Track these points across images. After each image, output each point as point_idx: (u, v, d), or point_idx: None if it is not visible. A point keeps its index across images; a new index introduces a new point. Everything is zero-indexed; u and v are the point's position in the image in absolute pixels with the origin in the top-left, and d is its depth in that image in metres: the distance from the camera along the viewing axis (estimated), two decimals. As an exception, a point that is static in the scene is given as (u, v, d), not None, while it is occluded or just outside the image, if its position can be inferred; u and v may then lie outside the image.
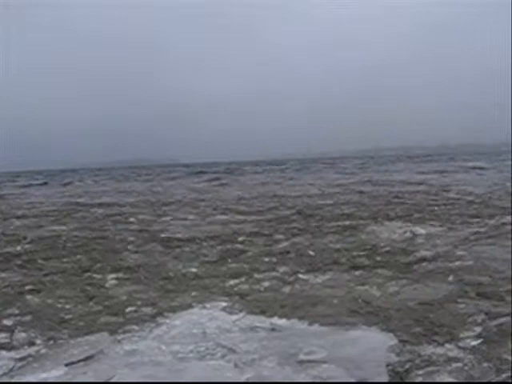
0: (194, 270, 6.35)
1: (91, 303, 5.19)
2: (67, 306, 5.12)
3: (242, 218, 10.97)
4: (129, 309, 4.88)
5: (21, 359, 3.86)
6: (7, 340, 4.23)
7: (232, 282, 5.64)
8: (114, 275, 6.17)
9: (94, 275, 6.23)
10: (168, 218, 11.42)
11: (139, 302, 5.05)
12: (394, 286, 5.24)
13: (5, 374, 3.62)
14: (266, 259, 6.75)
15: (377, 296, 4.93)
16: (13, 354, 3.95)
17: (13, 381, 3.50)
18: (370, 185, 19.92)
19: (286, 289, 5.34)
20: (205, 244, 7.91)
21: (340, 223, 9.51)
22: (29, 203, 18.08)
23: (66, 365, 3.60)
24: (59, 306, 5.17)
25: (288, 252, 7.11)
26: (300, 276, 5.85)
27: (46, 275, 6.35)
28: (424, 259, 6.36)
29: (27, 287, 5.88)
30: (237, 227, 9.49)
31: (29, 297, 5.53)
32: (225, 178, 33.61)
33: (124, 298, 5.28)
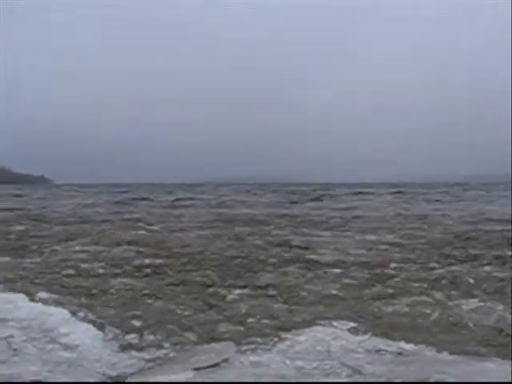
0: (333, 292, 6.32)
1: (211, 312, 5.36)
2: (187, 313, 5.31)
3: (391, 241, 10.73)
4: (249, 320, 5.00)
5: (150, 360, 4.12)
6: (137, 341, 4.50)
7: (367, 304, 5.61)
8: (239, 291, 6.29)
9: (219, 290, 6.39)
10: (313, 238, 11.32)
11: (259, 315, 5.16)
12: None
13: (137, 373, 3.87)
14: (416, 284, 6.59)
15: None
16: (143, 354, 4.21)
17: (142, 381, 3.73)
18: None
19: (422, 313, 5.23)
20: (352, 268, 7.74)
21: (500, 253, 8.97)
22: (176, 215, 18.75)
23: (194, 369, 3.78)
24: (179, 311, 5.37)
25: (443, 278, 6.89)
26: (448, 303, 5.72)
27: (169, 285, 6.64)
28: None
29: (148, 293, 6.15)
30: (387, 252, 9.28)
31: (150, 301, 5.80)
32: (354, 198, 33.12)
33: (244, 309, 5.41)
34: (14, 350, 4.35)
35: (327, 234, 12.06)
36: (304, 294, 6.15)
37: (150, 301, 5.88)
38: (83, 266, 7.84)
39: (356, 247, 9.73)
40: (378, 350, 4.15)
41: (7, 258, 8.52)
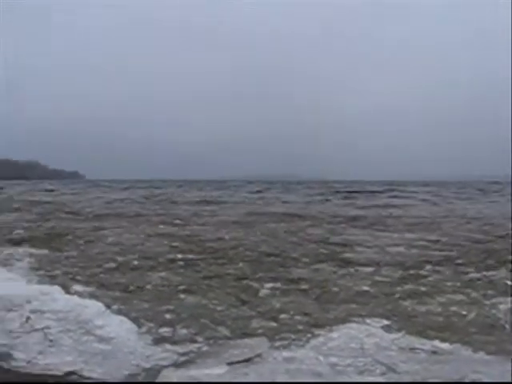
0: (365, 288, 6.28)
1: (244, 307, 5.38)
2: (219, 308, 5.34)
3: (430, 239, 10.48)
4: (282, 316, 5.00)
5: (183, 354, 4.17)
6: (170, 334, 4.54)
7: (399, 302, 5.55)
8: (271, 285, 6.27)
9: (251, 283, 6.38)
10: (348, 236, 11.12)
11: (292, 311, 5.16)
12: None
13: (170, 366, 3.92)
14: (449, 284, 6.47)
15: None
16: (176, 348, 4.26)
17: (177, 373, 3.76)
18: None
19: (458, 313, 5.15)
20: (386, 267, 7.58)
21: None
22: (210, 211, 18.65)
23: (228, 364, 3.80)
24: (212, 306, 5.40)
25: (478, 279, 6.74)
26: (484, 302, 5.62)
27: (203, 278, 6.65)
28: None
29: (182, 287, 6.19)
30: (423, 251, 9.03)
31: (183, 296, 5.84)
32: (387, 195, 32.55)
33: (277, 305, 5.41)
34: (51, 340, 4.44)
35: (364, 231, 11.85)
36: (337, 290, 6.11)
37: (182, 295, 5.92)
38: (118, 259, 7.93)
39: (394, 245, 9.55)
40: (412, 349, 4.11)
41: (45, 251, 8.66)
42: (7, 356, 4.29)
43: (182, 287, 6.26)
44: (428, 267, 7.40)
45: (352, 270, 7.21)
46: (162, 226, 12.61)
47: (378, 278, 6.70)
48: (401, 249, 9.07)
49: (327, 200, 26.49)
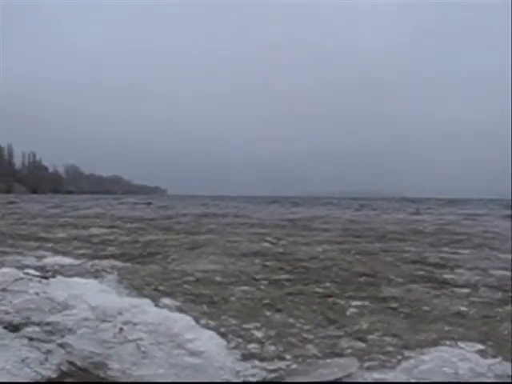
0: (463, 308, 6.14)
1: (332, 327, 5.36)
2: (306, 327, 5.35)
3: None
4: (370, 336, 4.96)
5: (272, 371, 4.20)
6: (258, 351, 4.60)
7: (495, 325, 5.37)
8: (358, 303, 6.23)
9: (338, 300, 6.36)
10: (446, 255, 10.84)
11: (381, 332, 5.10)
12: None
13: (261, 382, 3.96)
14: None
15: None
16: (265, 364, 4.29)
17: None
18: None
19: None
20: (483, 289, 7.30)
21: None
22: (302, 229, 18.63)
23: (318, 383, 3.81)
24: (299, 325, 5.41)
25: None
26: None
27: (288, 294, 6.68)
28: None
29: (267, 302, 6.25)
30: None
31: (269, 313, 5.88)
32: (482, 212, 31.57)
33: (365, 325, 5.36)
34: (143, 352, 4.58)
35: (466, 251, 11.45)
36: (429, 309, 5.99)
37: (268, 313, 5.96)
38: (204, 275, 8.08)
39: (496, 267, 9.16)
40: (509, 376, 3.97)
41: (133, 264, 8.98)
42: (103, 365, 4.48)
43: (266, 301, 6.33)
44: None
45: (447, 290, 7.01)
46: (255, 244, 12.64)
47: (473, 299, 6.51)
48: (503, 272, 8.69)
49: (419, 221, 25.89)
